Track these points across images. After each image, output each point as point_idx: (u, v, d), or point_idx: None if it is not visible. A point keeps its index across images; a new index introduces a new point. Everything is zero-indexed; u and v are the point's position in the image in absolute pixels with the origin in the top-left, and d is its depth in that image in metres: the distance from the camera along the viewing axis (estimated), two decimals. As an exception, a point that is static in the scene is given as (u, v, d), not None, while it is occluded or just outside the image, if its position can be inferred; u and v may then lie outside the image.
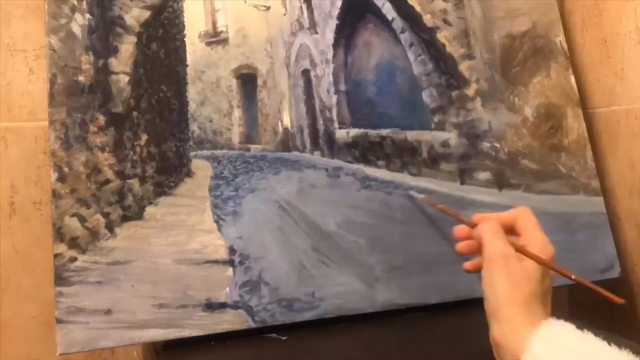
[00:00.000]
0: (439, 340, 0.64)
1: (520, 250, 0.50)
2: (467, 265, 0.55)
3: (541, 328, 0.46)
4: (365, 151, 0.75)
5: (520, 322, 0.46)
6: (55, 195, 0.63)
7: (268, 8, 0.76)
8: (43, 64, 0.76)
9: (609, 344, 0.44)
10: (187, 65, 0.72)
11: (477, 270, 0.52)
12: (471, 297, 0.70)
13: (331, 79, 0.76)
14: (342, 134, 0.75)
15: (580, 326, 0.46)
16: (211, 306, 0.64)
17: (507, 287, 0.48)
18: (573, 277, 0.51)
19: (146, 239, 0.65)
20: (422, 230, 0.72)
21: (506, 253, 0.50)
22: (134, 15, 0.70)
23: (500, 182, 0.76)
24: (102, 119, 0.66)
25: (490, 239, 0.51)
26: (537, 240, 0.51)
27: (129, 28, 0.69)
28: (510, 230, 0.53)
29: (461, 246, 0.55)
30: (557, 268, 0.51)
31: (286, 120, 0.74)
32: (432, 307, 0.69)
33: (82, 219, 0.63)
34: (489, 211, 0.56)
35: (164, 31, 0.72)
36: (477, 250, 0.53)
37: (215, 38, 0.74)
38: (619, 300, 0.48)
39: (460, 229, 0.56)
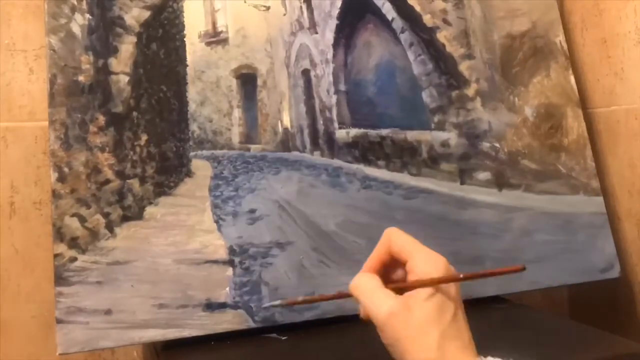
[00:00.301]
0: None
1: (400, 286, 0.44)
2: (362, 313, 0.46)
3: None
4: (365, 151, 0.75)
5: None
6: (55, 195, 0.63)
7: (268, 8, 0.76)
8: (43, 64, 0.76)
9: None
10: (187, 65, 0.72)
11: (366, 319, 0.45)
12: (471, 297, 0.71)
13: (331, 79, 0.76)
14: (342, 134, 0.75)
15: None
16: (211, 306, 0.64)
17: (411, 347, 0.41)
18: (462, 275, 0.45)
19: (146, 239, 0.65)
20: (422, 230, 0.71)
21: (389, 313, 0.42)
22: (134, 15, 0.70)
23: (500, 182, 0.76)
24: (102, 119, 0.66)
25: (368, 304, 0.43)
26: (421, 258, 0.45)
27: (128, 28, 0.69)
28: (394, 263, 0.47)
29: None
30: (442, 279, 0.43)
31: (286, 120, 0.74)
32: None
33: (82, 219, 0.63)
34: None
35: (164, 31, 0.72)
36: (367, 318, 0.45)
37: (215, 38, 0.74)
38: (519, 267, 0.43)
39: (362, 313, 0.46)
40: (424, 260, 0.44)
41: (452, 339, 0.41)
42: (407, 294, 0.43)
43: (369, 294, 0.44)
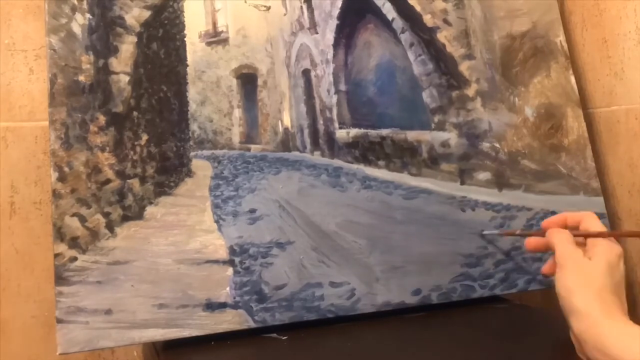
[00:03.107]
0: (439, 340, 0.64)
1: (589, 234, 0.56)
2: (544, 269, 0.61)
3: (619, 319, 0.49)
4: (365, 151, 0.75)
5: (598, 315, 0.49)
6: (55, 195, 0.63)
7: (268, 8, 0.76)
8: (43, 64, 0.76)
9: None
10: (188, 65, 0.72)
11: (553, 273, 0.57)
12: (470, 297, 0.71)
13: (331, 79, 0.76)
14: (343, 134, 0.75)
15: None
16: (211, 306, 0.64)
17: (580, 284, 0.52)
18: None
19: (146, 239, 0.65)
20: (422, 230, 0.72)
21: (575, 255, 0.54)
22: (134, 15, 0.70)
23: (500, 182, 0.76)
24: (102, 119, 0.66)
25: (561, 245, 0.55)
26: (603, 241, 0.55)
27: (129, 28, 0.69)
28: (575, 229, 0.59)
29: (529, 243, 0.62)
30: (624, 233, 0.61)
31: (286, 120, 0.75)
32: (432, 307, 0.69)
33: (82, 219, 0.63)
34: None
35: (164, 31, 0.72)
36: (545, 248, 0.60)
37: (215, 38, 0.74)
38: None
39: (531, 241, 0.62)
40: (606, 241, 0.55)
41: (611, 293, 0.51)
42: (589, 247, 0.55)
43: (565, 240, 0.56)
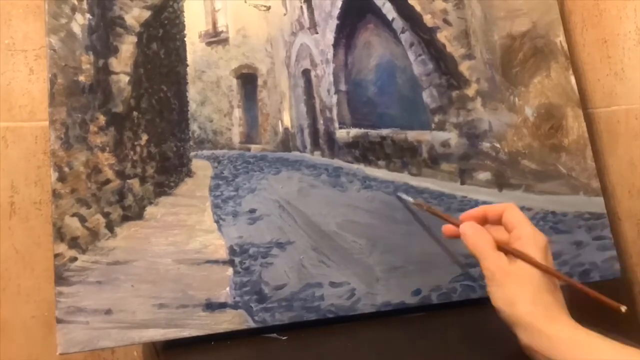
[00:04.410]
0: (439, 340, 0.64)
1: (513, 252, 0.52)
2: (446, 230, 0.60)
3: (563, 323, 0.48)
4: (365, 151, 0.75)
5: (542, 323, 0.48)
6: (55, 195, 0.63)
7: (268, 8, 0.76)
8: (43, 64, 0.76)
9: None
10: (188, 65, 0.72)
11: (455, 235, 0.57)
12: (470, 297, 0.71)
13: (331, 79, 0.76)
14: (343, 134, 0.75)
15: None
16: (211, 306, 0.64)
17: (515, 293, 0.50)
18: (562, 276, 0.53)
19: (146, 239, 0.65)
20: (422, 230, 0.71)
21: (500, 262, 0.52)
22: (134, 15, 0.70)
23: (500, 182, 0.76)
24: (102, 119, 0.66)
25: (484, 253, 0.53)
26: (527, 234, 0.53)
27: (129, 28, 0.69)
28: (496, 223, 0.57)
29: (447, 230, 0.60)
30: (546, 268, 0.52)
31: (286, 120, 0.74)
32: (432, 307, 0.69)
33: (82, 219, 0.63)
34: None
35: (164, 31, 0.72)
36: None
37: (215, 38, 0.74)
38: (618, 306, 0.50)
39: (447, 228, 0.60)
40: (532, 234, 0.53)
41: (547, 292, 0.50)
42: (513, 241, 0.53)
43: (479, 239, 0.54)
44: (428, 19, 0.78)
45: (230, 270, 0.66)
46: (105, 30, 0.68)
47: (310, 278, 0.67)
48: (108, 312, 0.61)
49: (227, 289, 0.65)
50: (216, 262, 0.66)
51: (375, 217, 0.72)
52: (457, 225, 0.58)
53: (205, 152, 0.71)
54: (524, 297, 0.50)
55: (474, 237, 0.55)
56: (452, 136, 0.76)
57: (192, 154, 0.70)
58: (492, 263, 0.52)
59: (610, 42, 0.79)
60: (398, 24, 0.77)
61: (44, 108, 0.68)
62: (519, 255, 0.52)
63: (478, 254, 0.54)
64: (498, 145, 0.77)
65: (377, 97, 0.76)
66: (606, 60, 0.80)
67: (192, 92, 0.72)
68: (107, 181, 0.65)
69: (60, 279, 0.61)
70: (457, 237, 0.58)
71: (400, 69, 0.77)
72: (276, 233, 0.68)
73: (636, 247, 0.77)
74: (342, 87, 0.76)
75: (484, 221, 0.58)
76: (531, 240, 0.53)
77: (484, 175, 0.76)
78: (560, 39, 0.81)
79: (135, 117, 0.68)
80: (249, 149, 0.73)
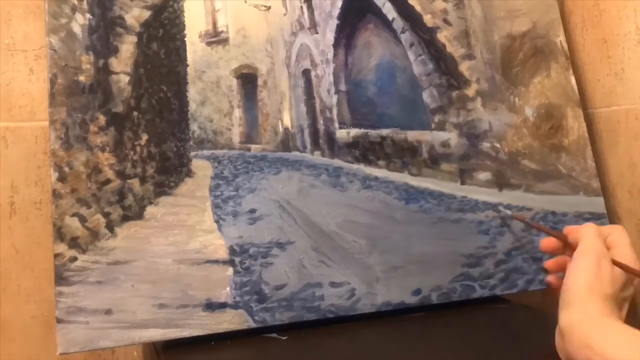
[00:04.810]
0: (439, 340, 0.64)
1: (615, 261, 0.53)
2: (549, 263, 0.60)
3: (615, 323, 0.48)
4: (365, 151, 0.75)
5: (596, 312, 0.49)
6: (56, 195, 0.63)
7: (268, 8, 0.76)
8: (43, 64, 0.76)
9: None
10: (188, 65, 0.72)
11: (557, 270, 0.57)
12: (470, 297, 0.71)
13: (331, 79, 0.76)
14: (343, 134, 0.75)
15: None
16: (211, 306, 0.64)
17: (592, 281, 0.51)
18: None
19: (146, 239, 0.65)
20: (422, 230, 0.72)
21: (602, 252, 0.53)
22: (135, 15, 0.70)
23: (500, 182, 0.76)
24: (102, 119, 0.66)
25: (591, 238, 0.54)
26: (627, 256, 0.54)
27: (129, 28, 0.69)
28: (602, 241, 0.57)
29: (546, 245, 0.60)
30: None
31: (286, 120, 0.75)
32: (432, 307, 0.69)
33: (83, 219, 0.63)
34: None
35: (164, 31, 0.72)
36: (562, 251, 0.59)
37: (215, 38, 0.74)
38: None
39: (547, 242, 0.61)
40: (631, 259, 0.54)
41: (615, 303, 0.51)
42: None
43: (597, 236, 0.54)
44: (428, 19, 0.78)
45: (230, 270, 0.66)
46: (105, 30, 0.68)
47: (310, 278, 0.67)
48: (108, 312, 0.61)
49: (227, 289, 0.65)
50: (216, 262, 0.66)
51: (375, 217, 0.72)
52: (562, 240, 0.58)
53: (205, 152, 0.71)
54: (596, 288, 0.51)
55: (590, 230, 0.56)
56: (452, 136, 0.76)
57: (192, 154, 0.70)
58: (596, 246, 0.53)
59: (610, 42, 0.79)
60: (398, 24, 0.77)
61: (44, 108, 0.68)
62: (619, 264, 0.53)
63: (585, 236, 0.55)
64: (498, 145, 0.77)
65: (377, 97, 0.76)
66: (606, 60, 0.80)
67: (192, 92, 0.72)
68: (107, 181, 0.65)
69: (60, 278, 0.61)
70: (557, 253, 0.59)
71: (400, 69, 0.77)
72: (276, 233, 0.68)
73: (636, 247, 0.77)
74: (342, 87, 0.76)
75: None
76: (628, 262, 0.54)
77: (484, 175, 0.76)
78: (560, 39, 0.81)
79: (135, 117, 0.68)
80: (249, 149, 0.73)
